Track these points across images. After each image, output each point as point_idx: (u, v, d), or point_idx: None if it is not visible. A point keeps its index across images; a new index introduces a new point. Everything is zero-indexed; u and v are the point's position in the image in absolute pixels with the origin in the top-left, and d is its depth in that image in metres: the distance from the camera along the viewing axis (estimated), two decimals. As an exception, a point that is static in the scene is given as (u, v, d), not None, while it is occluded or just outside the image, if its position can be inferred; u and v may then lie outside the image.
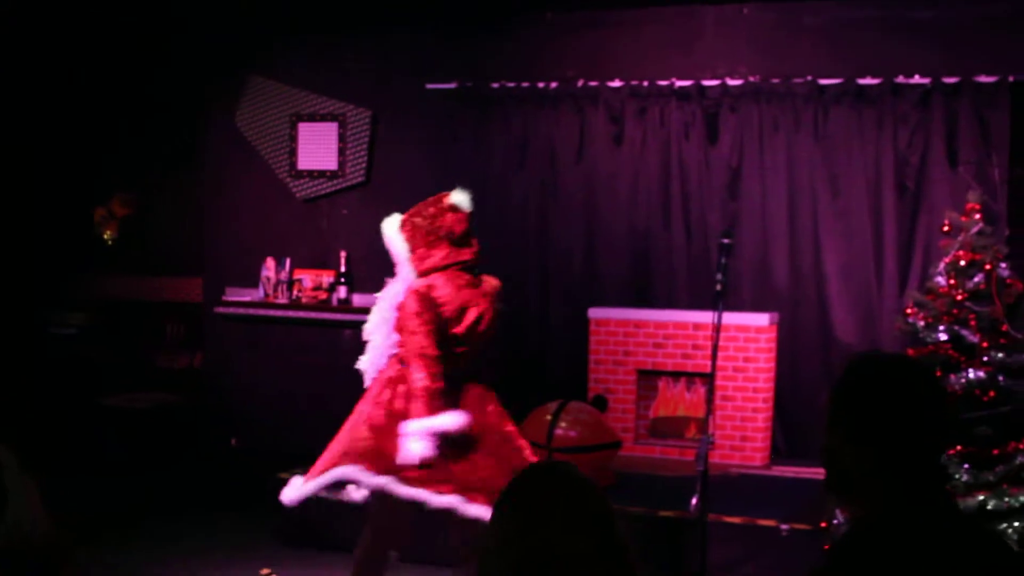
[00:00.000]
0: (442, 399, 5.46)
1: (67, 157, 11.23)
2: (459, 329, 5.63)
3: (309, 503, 8.07)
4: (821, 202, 8.80)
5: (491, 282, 5.86)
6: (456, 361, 5.61)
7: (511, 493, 2.31)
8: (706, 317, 8.80)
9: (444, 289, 5.62)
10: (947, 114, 8.44)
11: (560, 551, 2.22)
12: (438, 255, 5.71)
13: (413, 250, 5.74)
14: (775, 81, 8.89)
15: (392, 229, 5.88)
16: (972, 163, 8.03)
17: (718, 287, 5.42)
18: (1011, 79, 8.27)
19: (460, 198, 5.84)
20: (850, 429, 2.51)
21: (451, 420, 5.46)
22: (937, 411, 2.51)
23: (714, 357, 5.34)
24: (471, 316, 5.66)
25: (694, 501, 4.98)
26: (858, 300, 8.73)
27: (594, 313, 9.07)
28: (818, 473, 8.24)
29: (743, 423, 8.58)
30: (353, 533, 7.71)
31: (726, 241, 5.58)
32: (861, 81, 8.65)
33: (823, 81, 8.76)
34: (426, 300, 5.54)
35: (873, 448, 2.47)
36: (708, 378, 8.63)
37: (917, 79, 8.51)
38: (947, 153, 8.44)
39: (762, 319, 8.55)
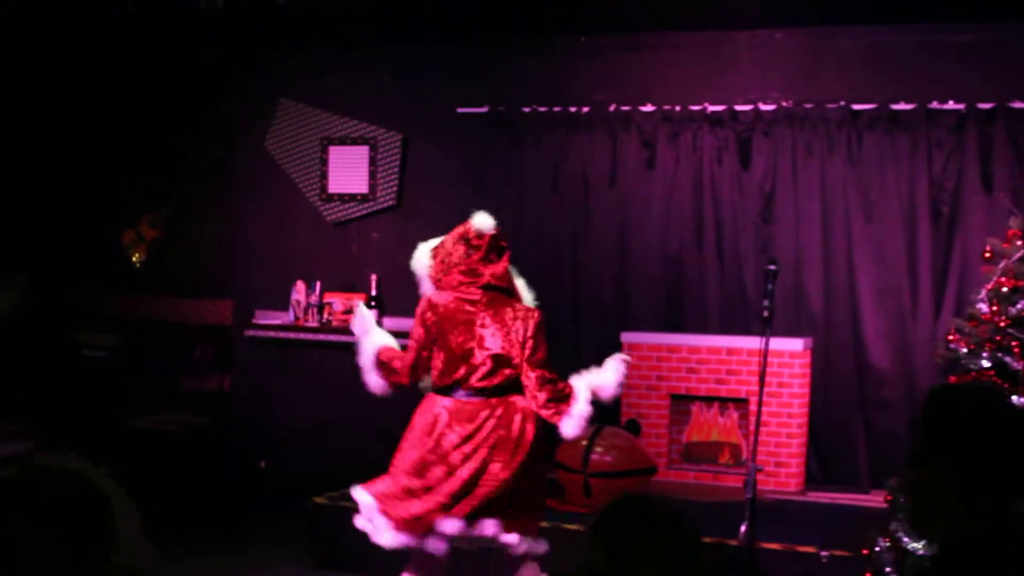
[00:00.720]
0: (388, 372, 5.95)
1: (97, 179, 11.27)
2: (442, 344, 5.81)
3: (341, 524, 8.11)
4: (855, 227, 8.80)
5: (510, 309, 5.87)
6: (456, 375, 5.81)
7: (602, 522, 2.31)
8: (739, 342, 8.80)
9: (440, 300, 5.84)
10: (982, 139, 8.45)
11: None
12: (448, 282, 5.92)
13: (433, 275, 5.97)
14: (808, 106, 8.90)
15: (423, 252, 6.02)
16: (1010, 190, 8.00)
17: (765, 313, 5.41)
18: (1047, 105, 8.28)
19: (481, 221, 5.91)
20: (936, 456, 2.50)
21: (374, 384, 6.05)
22: (1018, 438, 2.51)
23: (762, 384, 5.35)
24: (453, 334, 5.79)
25: (743, 528, 4.96)
26: (892, 325, 8.72)
27: (627, 337, 9.05)
28: (854, 499, 8.28)
29: (777, 449, 8.56)
30: (384, 555, 7.73)
31: (772, 268, 5.58)
32: (895, 106, 8.66)
33: (856, 106, 8.77)
34: (420, 307, 5.93)
35: (959, 473, 2.47)
36: (743, 403, 8.68)
37: (951, 104, 8.52)
38: (982, 179, 8.44)
39: (796, 344, 8.53)
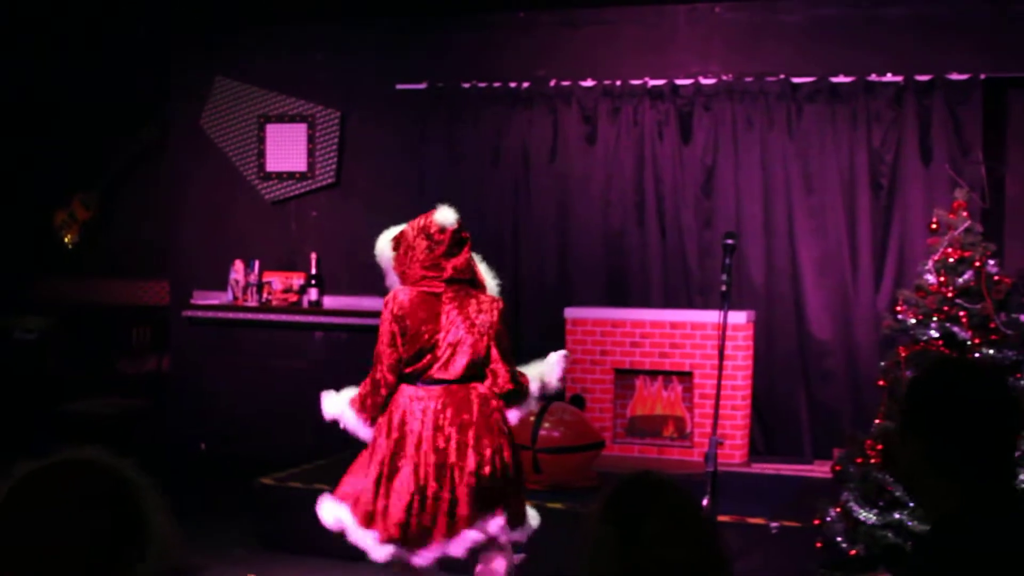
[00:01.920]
0: (373, 399, 5.84)
1: (25, 159, 11.09)
2: (413, 337, 5.79)
3: (287, 504, 8.08)
4: (795, 200, 8.86)
5: (472, 299, 5.87)
6: (419, 364, 5.80)
7: (610, 502, 2.30)
8: (682, 315, 8.86)
9: (404, 297, 5.82)
10: (920, 112, 8.52)
11: (662, 561, 2.21)
12: (411, 276, 5.90)
13: (397, 267, 5.96)
14: (748, 80, 8.94)
15: (385, 242, 6.03)
16: (951, 161, 8.09)
17: (723, 288, 5.41)
18: (983, 76, 8.36)
19: (443, 216, 5.91)
20: (924, 436, 2.52)
21: (334, 408, 5.96)
22: (1009, 413, 2.53)
23: (721, 356, 5.33)
24: (423, 326, 5.78)
25: (705, 502, 5.00)
26: (833, 297, 8.80)
27: (570, 313, 9.07)
28: (798, 470, 8.35)
29: (722, 421, 8.57)
30: (333, 536, 7.71)
31: (730, 242, 5.59)
32: (834, 79, 8.72)
33: (796, 79, 8.82)
34: (387, 306, 5.83)
35: (949, 452, 2.48)
36: (687, 376, 8.73)
37: (890, 77, 8.59)
38: (920, 151, 8.52)
39: (739, 317, 8.57)
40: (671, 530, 2.25)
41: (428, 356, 5.82)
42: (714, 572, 2.27)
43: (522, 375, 5.96)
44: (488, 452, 5.71)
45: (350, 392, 5.99)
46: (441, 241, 5.88)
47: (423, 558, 5.75)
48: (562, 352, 6.17)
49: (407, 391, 5.84)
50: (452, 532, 5.70)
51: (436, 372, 5.81)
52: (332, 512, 5.95)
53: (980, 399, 2.51)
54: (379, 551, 5.79)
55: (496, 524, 5.75)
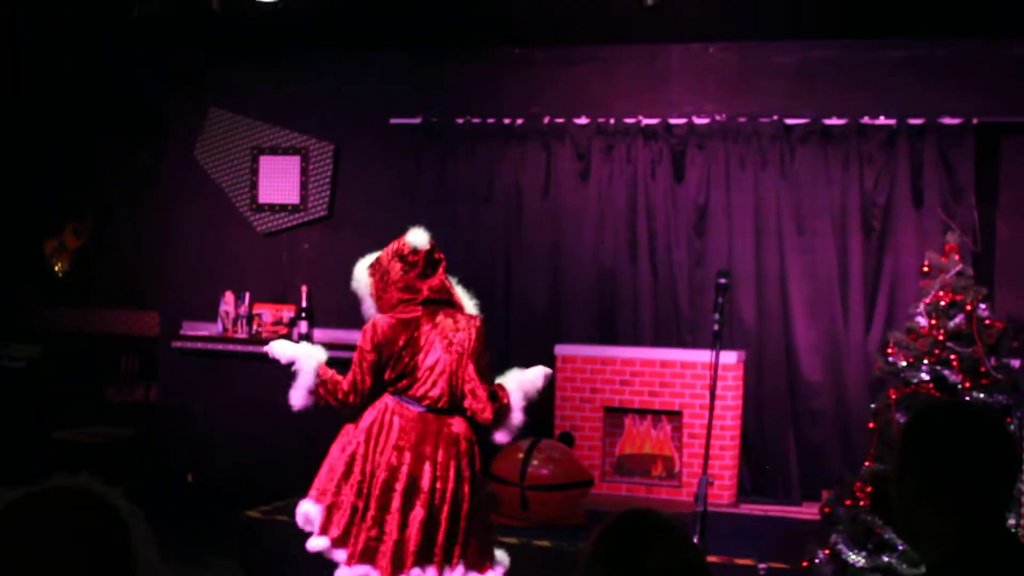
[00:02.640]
0: (332, 398, 5.90)
1: (17, 187, 11.07)
2: (394, 363, 5.83)
3: (274, 537, 8.03)
4: (787, 241, 8.88)
5: (449, 318, 5.88)
6: (400, 385, 5.84)
7: (603, 539, 2.27)
8: (672, 355, 8.86)
9: (384, 324, 5.85)
10: (912, 155, 8.56)
11: None
12: (388, 300, 5.94)
13: (374, 293, 6.02)
14: (741, 120, 8.97)
15: (361, 270, 6.12)
16: (943, 205, 8.12)
17: (715, 327, 5.41)
18: (975, 121, 8.39)
19: (415, 237, 5.93)
20: (920, 476, 2.51)
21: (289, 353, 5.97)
22: (1007, 454, 2.52)
23: (712, 396, 5.33)
24: (403, 352, 5.82)
25: (695, 540, 4.97)
26: (824, 339, 8.80)
27: (560, 350, 9.06)
28: (786, 511, 8.33)
29: (711, 461, 8.55)
30: (320, 569, 7.66)
31: (722, 281, 5.60)
32: (827, 121, 8.75)
33: (789, 120, 8.85)
34: (367, 334, 5.88)
35: (946, 492, 2.47)
36: (676, 415, 8.72)
37: (883, 120, 8.62)
38: (912, 194, 8.54)
39: (730, 357, 8.57)
40: (667, 570, 2.21)
41: (407, 379, 5.85)
42: None
43: (502, 389, 5.93)
44: (440, 487, 5.70)
45: (309, 347, 6.04)
46: (415, 263, 5.92)
47: None
48: (545, 370, 6.14)
49: (387, 400, 5.87)
50: (397, 566, 5.68)
51: (416, 391, 5.83)
52: (304, 509, 5.94)
53: (978, 439, 2.50)
54: (335, 555, 5.79)
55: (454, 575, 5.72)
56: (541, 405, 9.09)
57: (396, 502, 5.71)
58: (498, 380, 6.00)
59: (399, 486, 5.71)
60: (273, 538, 8.07)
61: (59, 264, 11.20)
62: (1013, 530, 5.79)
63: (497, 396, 5.87)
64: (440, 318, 5.89)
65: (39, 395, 10.89)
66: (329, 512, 5.85)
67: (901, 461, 2.55)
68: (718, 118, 9.02)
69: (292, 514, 8.05)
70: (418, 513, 5.69)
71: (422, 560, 5.68)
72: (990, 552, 2.44)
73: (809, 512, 8.06)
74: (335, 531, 5.80)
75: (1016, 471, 2.53)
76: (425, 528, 5.68)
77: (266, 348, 6.13)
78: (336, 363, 9.96)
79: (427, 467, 5.73)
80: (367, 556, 5.71)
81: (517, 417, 5.96)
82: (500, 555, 5.97)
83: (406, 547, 5.67)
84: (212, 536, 8.73)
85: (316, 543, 5.87)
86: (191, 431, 10.39)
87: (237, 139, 10.32)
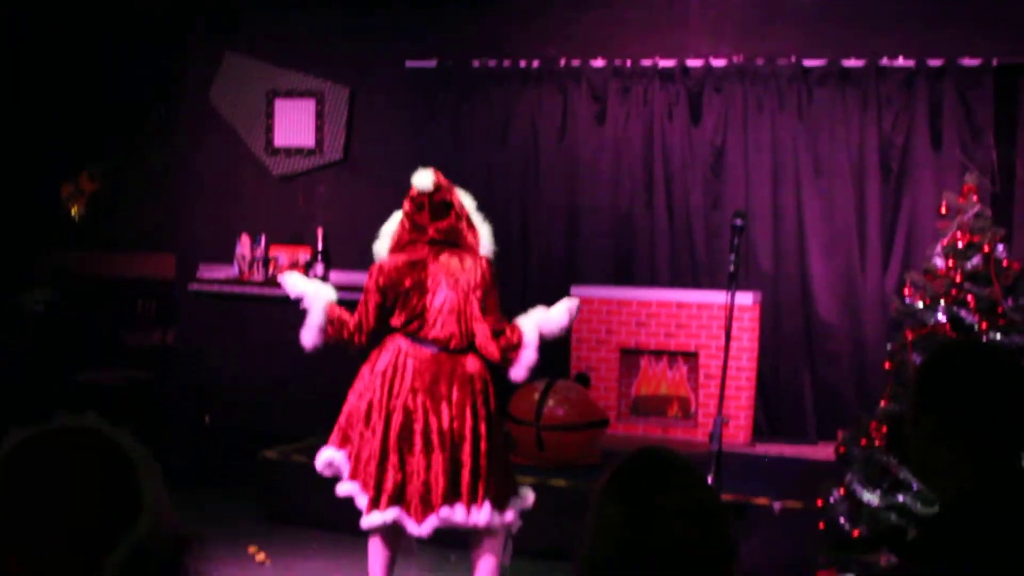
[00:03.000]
0: (339, 336, 5.98)
1: (33, 132, 11.07)
2: (402, 304, 5.87)
3: (291, 477, 8.09)
4: (804, 183, 8.85)
5: (455, 258, 5.90)
6: (410, 327, 5.87)
7: (616, 476, 2.26)
8: (688, 296, 8.87)
9: (389, 266, 5.91)
10: (931, 96, 8.51)
11: (666, 538, 2.17)
12: (400, 240, 6.01)
13: (392, 238, 6.06)
14: (759, 62, 8.92)
15: (383, 234, 6.18)
16: (961, 146, 8.08)
17: (731, 268, 5.42)
18: (995, 62, 8.34)
19: (420, 178, 5.96)
20: (937, 416, 2.50)
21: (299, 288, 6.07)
22: (1022, 396, 2.51)
23: (728, 337, 5.33)
24: (411, 293, 5.86)
25: (709, 480, 5.00)
26: (840, 280, 8.79)
27: (576, 291, 9.02)
28: (802, 452, 8.35)
29: (726, 401, 8.56)
30: (336, 509, 7.72)
31: (738, 222, 5.59)
32: (845, 63, 8.70)
33: (807, 62, 8.80)
34: (372, 275, 5.95)
35: (963, 431, 2.47)
36: (692, 356, 8.74)
37: (901, 61, 8.57)
38: (931, 135, 8.50)
39: (746, 298, 8.57)
40: (680, 508, 2.19)
41: (417, 321, 5.87)
42: (721, 553, 2.22)
43: (512, 327, 5.91)
44: (458, 426, 5.73)
45: (319, 285, 6.14)
46: (421, 204, 5.92)
47: (409, 525, 5.76)
48: (570, 306, 6.11)
49: (400, 342, 5.89)
50: (427, 506, 5.72)
51: (427, 333, 5.86)
52: (326, 456, 5.99)
53: (995, 380, 2.50)
54: (361, 500, 5.83)
55: (479, 514, 5.74)
56: (557, 346, 9.17)
57: (418, 444, 5.74)
58: (520, 318, 6.00)
59: (418, 427, 5.74)
60: (290, 477, 8.14)
61: (75, 208, 11.22)
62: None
63: (502, 333, 5.85)
64: (445, 257, 5.90)
65: (57, 338, 10.95)
66: (355, 459, 5.88)
67: (917, 401, 2.54)
68: (735, 60, 8.97)
69: (309, 454, 8.14)
70: (440, 454, 5.72)
71: (449, 499, 5.71)
72: (1006, 491, 2.44)
73: (825, 452, 8.06)
74: (362, 476, 5.84)
75: None
76: (449, 468, 5.71)
77: (280, 277, 6.19)
78: (351, 304, 10.06)
79: (444, 407, 5.76)
80: (396, 498, 5.75)
81: (529, 355, 5.89)
82: (524, 491, 6.01)
83: (433, 488, 5.71)
84: (230, 476, 8.81)
85: (345, 488, 5.90)
86: (208, 373, 10.43)
87: (252, 83, 10.29)
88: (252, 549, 7.46)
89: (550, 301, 9.24)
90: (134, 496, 1.80)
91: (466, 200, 6.11)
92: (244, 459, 8.50)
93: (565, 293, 8.92)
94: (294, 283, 6.13)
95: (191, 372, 10.52)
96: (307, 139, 10.18)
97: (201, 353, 10.53)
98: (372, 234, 9.81)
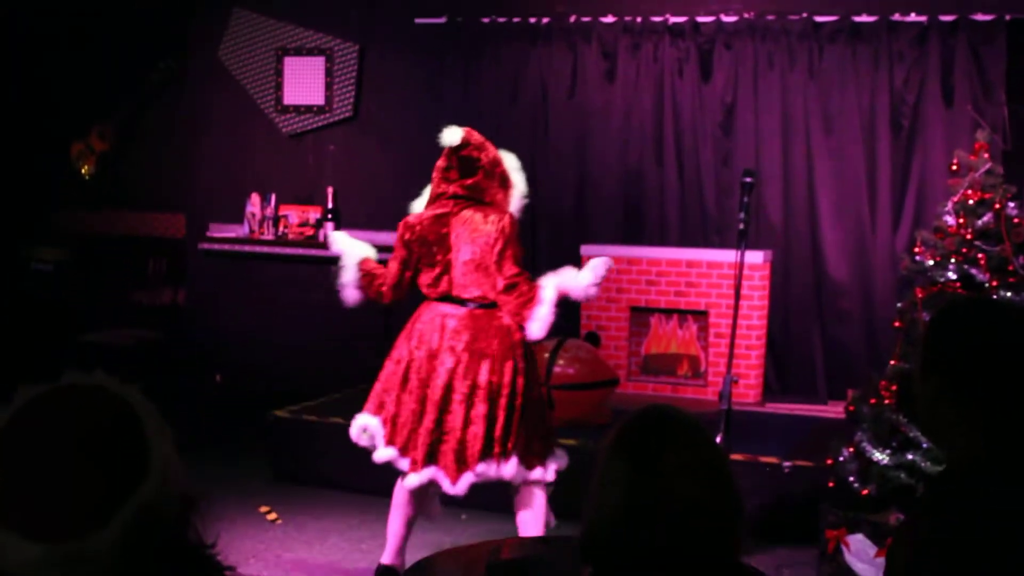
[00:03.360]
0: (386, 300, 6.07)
1: (43, 90, 11.05)
2: (427, 262, 5.91)
3: (301, 437, 8.11)
4: (815, 140, 8.80)
5: (479, 213, 5.90)
6: (439, 288, 5.90)
7: (624, 434, 2.25)
8: (698, 255, 8.84)
9: (414, 221, 5.95)
10: (943, 52, 8.44)
11: (675, 497, 2.17)
12: (430, 196, 6.04)
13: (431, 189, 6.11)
14: (770, 18, 8.86)
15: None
16: (973, 102, 8.02)
17: (740, 226, 5.38)
18: (1008, 17, 8.27)
19: (448, 135, 5.97)
20: (943, 375, 2.47)
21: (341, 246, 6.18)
22: None
23: (737, 295, 5.32)
24: (433, 249, 5.90)
25: (718, 440, 4.99)
26: (851, 238, 8.76)
27: (586, 250, 9.02)
28: (812, 410, 8.35)
29: (737, 360, 8.55)
30: (348, 469, 7.74)
31: (748, 180, 5.55)
32: (856, 19, 8.63)
33: (818, 18, 8.74)
34: (398, 231, 5.99)
35: (971, 390, 2.44)
36: (702, 315, 8.72)
37: (913, 17, 8.50)
38: (943, 92, 8.44)
39: (756, 257, 8.55)
40: (686, 466, 2.18)
41: (445, 278, 5.88)
42: (728, 511, 2.20)
43: (529, 283, 5.88)
44: (496, 380, 5.73)
45: (358, 244, 6.22)
46: (451, 161, 5.91)
47: (445, 484, 5.78)
48: (604, 259, 6.10)
49: (435, 306, 5.91)
50: (461, 464, 5.73)
51: (457, 292, 5.87)
52: (361, 422, 5.99)
53: (1004, 338, 2.47)
54: (401, 464, 5.84)
55: (506, 467, 5.75)
56: (567, 305, 9.15)
57: (456, 401, 5.74)
58: (545, 276, 5.98)
59: (458, 384, 5.74)
60: (300, 437, 8.15)
61: (85, 167, 11.20)
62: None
63: (515, 287, 5.84)
64: (468, 213, 5.90)
65: (67, 297, 10.96)
66: (392, 423, 5.88)
67: (924, 359, 2.51)
68: (746, 16, 8.91)
69: (320, 413, 8.19)
70: (480, 409, 5.72)
71: (485, 455, 5.73)
72: (1014, 452, 2.41)
73: (835, 411, 8.08)
74: (399, 440, 5.84)
75: None
76: (487, 423, 5.72)
77: (328, 235, 6.37)
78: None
79: (484, 363, 5.75)
80: (431, 458, 5.76)
81: (543, 311, 5.84)
82: (559, 453, 6.00)
83: (470, 444, 5.72)
84: (240, 436, 8.83)
85: (383, 454, 5.90)
86: (218, 333, 10.45)
87: (261, 40, 10.26)
88: (263, 509, 7.48)
89: (560, 259, 9.28)
90: (142, 454, 1.80)
91: (507, 158, 6.11)
92: (254, 418, 8.51)
93: (575, 251, 8.96)
94: (337, 241, 6.27)
95: (201, 331, 10.54)
96: (317, 97, 10.15)
97: (211, 312, 10.55)
98: (382, 192, 9.90)
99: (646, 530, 2.18)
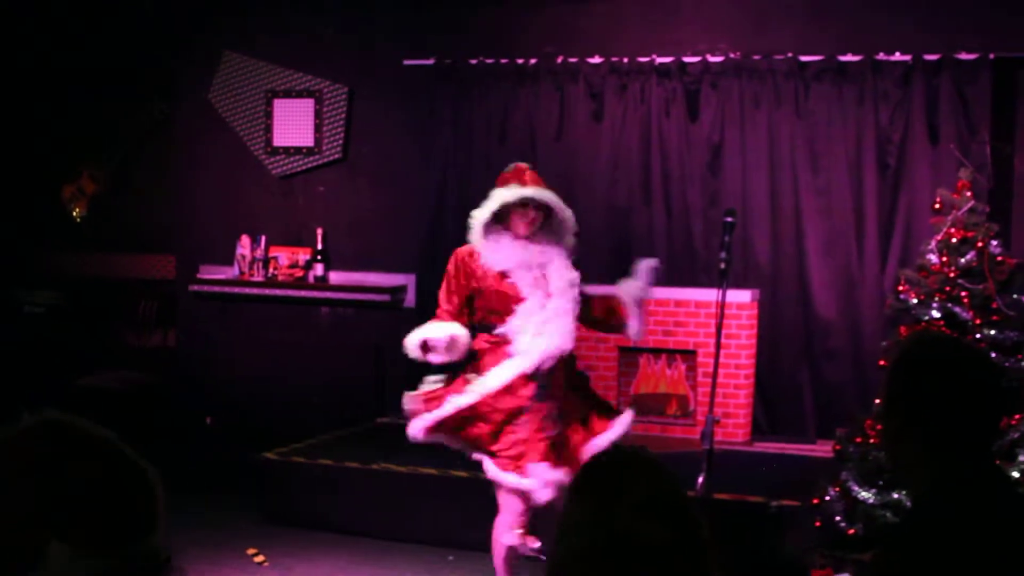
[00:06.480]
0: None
1: (34, 133, 11.08)
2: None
3: (290, 479, 8.08)
4: (802, 179, 8.82)
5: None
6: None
7: (585, 476, 2.26)
8: (687, 294, 8.85)
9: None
10: (928, 91, 8.47)
11: (635, 539, 2.16)
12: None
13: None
14: (756, 58, 8.89)
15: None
16: (958, 141, 8.05)
17: (722, 265, 5.40)
18: (992, 56, 8.31)
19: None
20: (905, 410, 2.50)
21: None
22: (991, 391, 2.51)
23: (719, 334, 5.31)
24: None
25: (700, 480, 4.99)
26: (839, 277, 8.77)
27: (575, 290, 9.03)
28: (801, 449, 8.33)
29: (725, 399, 8.59)
30: (336, 511, 7.73)
31: (729, 220, 5.57)
32: (842, 58, 8.67)
33: (804, 58, 8.77)
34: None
35: (930, 429, 2.46)
36: (690, 355, 8.72)
37: (898, 56, 8.53)
38: (928, 130, 8.47)
39: (744, 296, 8.56)
40: (646, 508, 2.17)
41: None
42: (691, 552, 2.19)
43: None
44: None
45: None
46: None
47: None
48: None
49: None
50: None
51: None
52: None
53: (963, 374, 2.49)
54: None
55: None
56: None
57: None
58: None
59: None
60: (289, 479, 8.14)
61: (77, 209, 11.22)
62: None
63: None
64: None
65: (59, 341, 10.95)
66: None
67: (887, 397, 2.54)
68: (732, 56, 8.95)
69: (309, 455, 8.17)
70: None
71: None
72: (970, 485, 2.43)
73: (823, 450, 8.05)
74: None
75: (1003, 406, 2.52)
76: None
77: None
78: (350, 304, 10.06)
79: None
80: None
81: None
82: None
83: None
84: (230, 478, 8.80)
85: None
86: (209, 374, 10.44)
87: (251, 82, 10.30)
88: (251, 551, 7.46)
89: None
90: (150, 510, 1.80)
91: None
92: (244, 460, 8.49)
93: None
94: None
95: (192, 373, 10.53)
96: (306, 139, 10.18)
97: (202, 354, 10.54)
98: (372, 233, 9.91)
99: (609, 569, 2.17)
